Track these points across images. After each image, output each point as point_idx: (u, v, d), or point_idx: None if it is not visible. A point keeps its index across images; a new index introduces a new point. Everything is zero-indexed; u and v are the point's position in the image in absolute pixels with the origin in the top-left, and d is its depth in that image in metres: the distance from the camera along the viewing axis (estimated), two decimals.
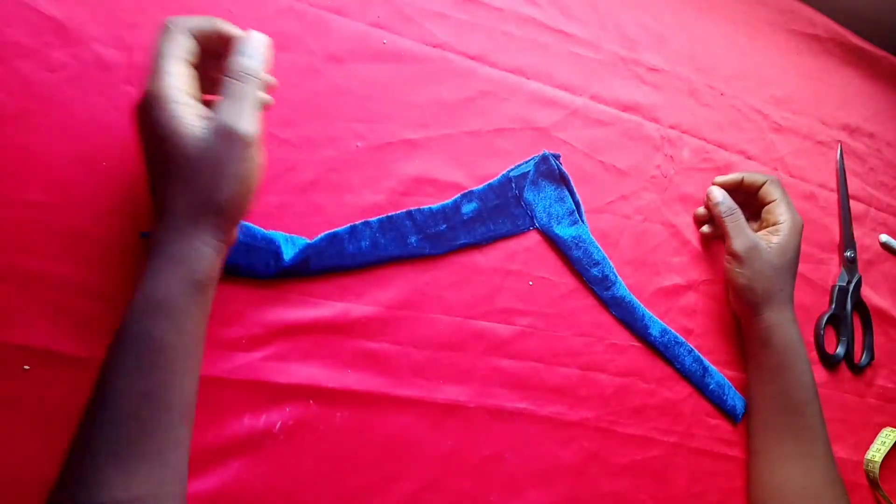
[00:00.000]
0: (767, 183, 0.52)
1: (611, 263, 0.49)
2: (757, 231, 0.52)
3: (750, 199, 0.53)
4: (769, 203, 0.52)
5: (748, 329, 0.51)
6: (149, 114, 0.30)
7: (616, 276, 0.49)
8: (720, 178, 0.54)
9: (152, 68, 0.31)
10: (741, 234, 0.50)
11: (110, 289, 0.36)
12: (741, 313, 0.52)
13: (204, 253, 0.31)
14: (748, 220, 0.51)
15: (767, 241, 0.50)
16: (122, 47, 0.38)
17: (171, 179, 0.31)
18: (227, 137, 0.31)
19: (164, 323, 0.30)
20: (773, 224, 0.51)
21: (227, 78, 0.32)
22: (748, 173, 0.54)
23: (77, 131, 0.36)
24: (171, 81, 0.31)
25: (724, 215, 0.51)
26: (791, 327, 0.49)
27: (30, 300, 0.34)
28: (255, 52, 0.33)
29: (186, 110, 0.30)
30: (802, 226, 0.51)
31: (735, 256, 0.49)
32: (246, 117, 0.31)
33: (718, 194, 0.52)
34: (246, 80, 0.32)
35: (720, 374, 0.51)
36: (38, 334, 0.34)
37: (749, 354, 0.51)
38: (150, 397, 0.29)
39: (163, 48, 0.31)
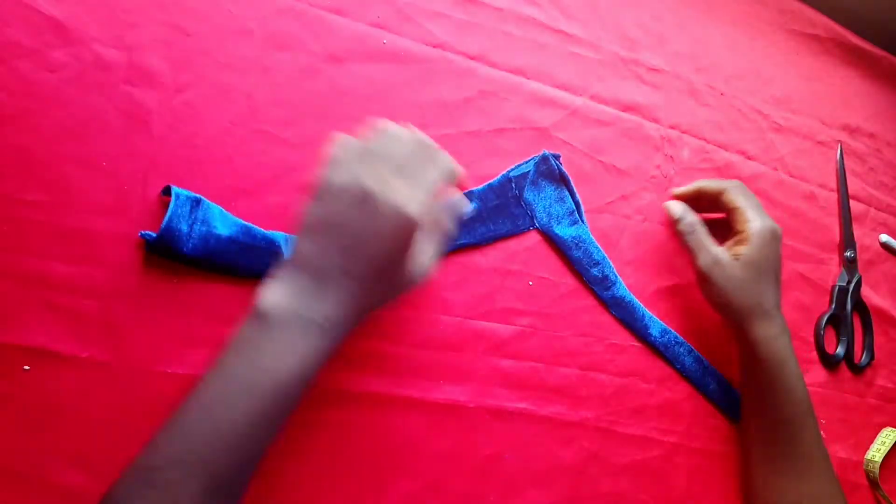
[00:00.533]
0: (727, 190, 0.48)
1: (611, 263, 0.49)
2: (726, 243, 0.48)
3: (716, 208, 0.50)
4: (732, 211, 0.48)
5: (738, 342, 0.50)
6: (390, 223, 0.32)
7: (616, 276, 0.49)
8: (677, 190, 0.51)
9: (419, 197, 0.33)
10: (702, 250, 0.47)
11: (110, 289, 0.36)
12: (729, 328, 0.50)
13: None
14: (718, 232, 0.48)
15: (735, 254, 0.46)
16: (122, 47, 0.38)
17: (361, 275, 0.32)
18: (422, 277, 0.35)
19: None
20: (738, 234, 0.47)
21: (442, 222, 0.37)
22: (706, 181, 0.50)
23: (77, 131, 0.36)
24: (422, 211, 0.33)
25: (683, 233, 0.48)
26: (776, 341, 0.46)
27: (30, 300, 0.34)
28: (461, 212, 0.39)
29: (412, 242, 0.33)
30: (775, 230, 0.47)
31: (699, 275, 0.47)
32: (435, 264, 0.36)
33: (678, 209, 0.49)
34: (448, 233, 0.37)
35: (720, 374, 0.51)
36: (38, 334, 0.34)
37: (741, 367, 0.50)
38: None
39: (430, 178, 0.34)
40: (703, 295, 0.48)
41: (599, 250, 0.48)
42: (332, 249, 0.32)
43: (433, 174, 0.35)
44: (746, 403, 0.49)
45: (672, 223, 0.49)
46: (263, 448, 0.31)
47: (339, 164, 0.33)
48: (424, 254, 0.35)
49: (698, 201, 0.50)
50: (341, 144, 0.34)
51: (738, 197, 0.48)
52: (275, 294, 0.32)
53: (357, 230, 0.32)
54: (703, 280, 0.47)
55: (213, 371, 0.31)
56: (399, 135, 0.35)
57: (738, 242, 0.47)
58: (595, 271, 0.48)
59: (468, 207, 0.39)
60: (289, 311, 0.31)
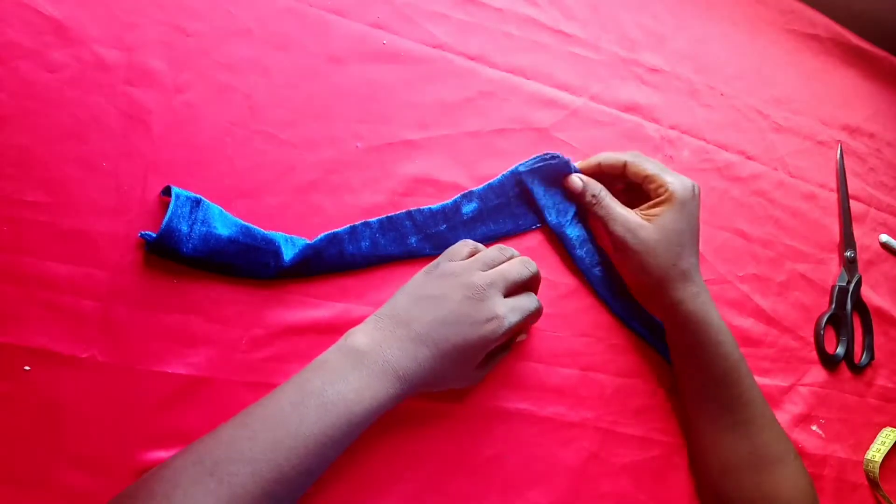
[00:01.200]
0: (629, 162, 0.46)
1: (612, 263, 0.49)
2: (638, 208, 0.46)
3: (618, 182, 0.48)
4: (644, 179, 0.46)
5: (655, 312, 0.48)
6: (485, 324, 0.38)
7: (618, 276, 0.49)
8: (578, 164, 0.48)
9: (513, 318, 0.39)
10: (611, 216, 0.45)
11: (110, 289, 0.36)
12: (644, 296, 0.48)
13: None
14: (623, 201, 0.47)
15: (647, 217, 0.45)
16: (121, 48, 0.38)
17: (445, 353, 0.37)
18: (477, 379, 0.42)
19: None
20: (655, 198, 0.46)
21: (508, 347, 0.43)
22: (604, 154, 0.48)
23: (77, 131, 0.36)
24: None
25: (591, 204, 0.46)
26: (697, 300, 0.45)
27: (30, 300, 0.34)
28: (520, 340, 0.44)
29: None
30: (691, 188, 0.46)
31: (613, 242, 0.46)
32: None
33: (578, 182, 0.46)
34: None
35: None
36: (38, 335, 0.34)
37: (667, 334, 0.48)
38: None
39: (526, 307, 0.40)
40: (618, 263, 0.48)
41: (601, 250, 0.48)
42: (431, 320, 0.37)
43: (531, 306, 0.40)
44: (678, 368, 0.48)
45: (577, 197, 0.47)
46: (324, 468, 0.34)
47: (462, 259, 0.40)
48: (490, 360, 0.41)
49: (599, 177, 0.47)
50: (464, 243, 0.42)
51: (645, 163, 0.46)
52: (369, 336, 0.36)
53: (456, 312, 0.37)
54: (619, 248, 0.46)
55: (293, 385, 0.34)
56: (517, 261, 0.41)
57: (654, 205, 0.45)
58: (597, 270, 0.48)
59: (523, 338, 0.44)
60: (379, 355, 0.35)
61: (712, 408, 0.46)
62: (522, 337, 0.44)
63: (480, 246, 0.42)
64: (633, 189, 0.48)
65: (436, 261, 0.41)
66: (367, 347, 0.36)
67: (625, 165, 0.47)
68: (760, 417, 0.46)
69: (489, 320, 0.38)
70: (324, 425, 0.32)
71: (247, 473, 0.30)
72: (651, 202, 0.46)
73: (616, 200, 0.46)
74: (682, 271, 0.45)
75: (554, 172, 0.47)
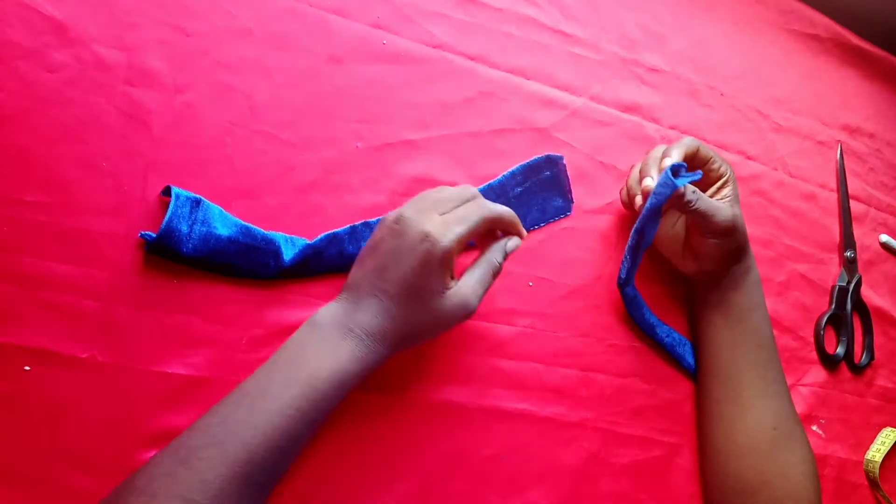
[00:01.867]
0: (700, 147, 0.46)
1: (630, 261, 0.47)
2: (709, 194, 0.46)
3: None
4: (707, 163, 0.46)
5: (722, 278, 0.47)
6: (418, 247, 0.35)
7: (627, 273, 0.48)
8: (651, 160, 0.45)
9: (454, 230, 0.35)
10: (714, 206, 0.44)
11: (110, 289, 0.36)
12: (717, 271, 0.47)
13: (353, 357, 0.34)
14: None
15: (721, 198, 0.46)
16: (121, 48, 0.38)
17: (392, 294, 0.35)
18: (462, 308, 0.37)
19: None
20: (717, 180, 0.47)
21: (489, 257, 0.39)
22: (675, 151, 0.45)
23: (77, 131, 0.36)
24: (456, 248, 0.35)
25: (692, 203, 0.43)
26: (755, 266, 0.49)
27: (30, 300, 0.34)
28: (511, 248, 0.40)
29: (448, 272, 0.36)
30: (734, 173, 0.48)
31: (725, 232, 0.44)
32: (480, 298, 0.38)
33: (653, 180, 0.44)
34: (497, 269, 0.39)
35: None
36: (38, 335, 0.34)
37: (714, 304, 0.48)
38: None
39: (470, 217, 0.37)
40: (713, 252, 0.46)
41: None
42: (370, 270, 0.36)
43: (475, 214, 0.37)
44: (723, 339, 0.48)
45: (676, 199, 0.43)
46: (297, 446, 0.33)
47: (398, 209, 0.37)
48: (468, 287, 0.37)
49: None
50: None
51: (704, 148, 0.47)
52: (328, 308, 0.36)
53: (389, 251, 0.35)
54: (729, 234, 0.45)
55: (261, 369, 0.34)
56: (450, 187, 0.39)
57: (722, 186, 0.47)
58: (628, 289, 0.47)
59: (517, 244, 0.41)
60: (333, 319, 0.35)
61: (748, 374, 0.47)
62: (514, 244, 0.40)
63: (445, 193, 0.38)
64: None
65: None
66: (325, 317, 0.36)
67: (696, 152, 0.46)
68: (787, 394, 0.48)
69: (421, 242, 0.34)
70: (289, 397, 0.32)
71: (216, 456, 0.30)
72: (717, 185, 0.47)
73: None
74: (745, 269, 0.48)
75: (550, 177, 0.47)
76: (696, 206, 0.43)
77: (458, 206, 0.37)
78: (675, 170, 0.42)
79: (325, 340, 0.34)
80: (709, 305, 0.49)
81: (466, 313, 0.37)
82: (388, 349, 0.35)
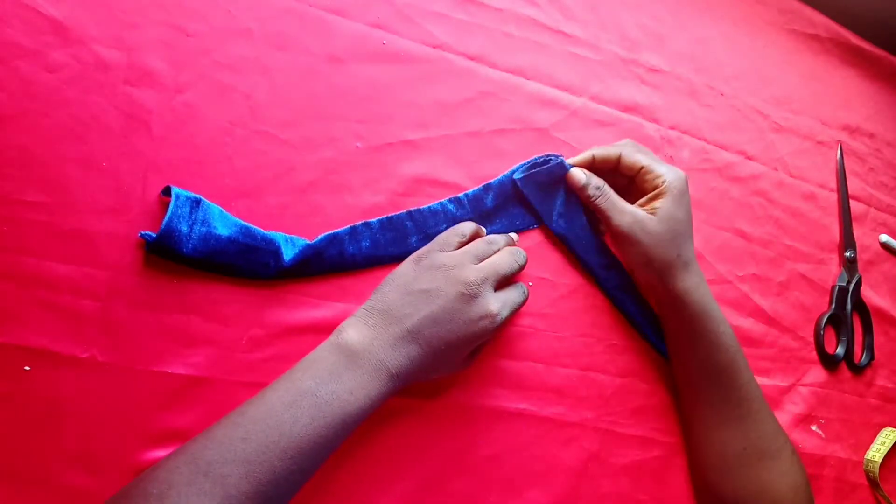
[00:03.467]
0: (623, 154, 0.46)
1: (618, 260, 0.48)
2: (636, 203, 0.46)
3: (616, 177, 0.47)
4: (638, 172, 0.46)
5: (656, 301, 0.48)
6: (478, 322, 0.37)
7: (624, 272, 0.49)
8: (573, 159, 0.47)
9: (508, 308, 0.39)
10: (617, 209, 0.45)
11: (110, 289, 0.36)
12: (644, 288, 0.49)
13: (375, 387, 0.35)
14: (627, 196, 0.47)
15: (649, 210, 0.45)
16: (121, 48, 0.38)
17: (435, 349, 0.37)
18: (467, 363, 0.41)
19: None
20: (652, 190, 0.45)
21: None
22: (598, 149, 0.47)
23: (77, 131, 0.36)
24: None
25: (592, 197, 0.45)
26: (697, 291, 0.45)
27: (30, 300, 0.34)
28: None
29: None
30: (684, 178, 0.46)
31: (618, 236, 0.45)
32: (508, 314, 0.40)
33: (581, 175, 0.45)
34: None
35: None
36: (38, 335, 0.34)
37: (664, 326, 0.48)
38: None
39: (515, 299, 0.41)
40: (622, 255, 0.48)
41: (605, 247, 0.48)
42: (426, 319, 0.36)
43: (517, 298, 0.41)
44: (676, 361, 0.48)
45: (578, 191, 0.46)
46: (315, 468, 0.34)
47: (452, 249, 0.40)
48: (477, 349, 0.41)
49: (594, 171, 0.47)
50: (454, 231, 0.41)
51: (638, 155, 0.46)
52: (361, 332, 0.36)
53: (448, 310, 0.37)
54: (624, 240, 0.45)
55: (286, 383, 0.34)
56: (507, 252, 0.41)
57: (654, 198, 0.45)
58: (600, 268, 0.48)
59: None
60: (372, 353, 0.35)
61: (709, 401, 0.46)
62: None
63: (468, 230, 0.41)
64: (623, 183, 0.48)
65: (425, 249, 0.40)
66: (360, 346, 0.35)
67: (619, 158, 0.46)
68: (757, 412, 0.46)
69: (482, 318, 0.37)
70: (318, 426, 0.32)
71: (240, 474, 0.30)
72: (649, 195, 0.46)
73: (618, 196, 0.46)
74: (685, 261, 0.45)
75: (549, 176, 0.47)
76: (595, 202, 0.46)
77: (510, 276, 0.40)
78: (538, 163, 0.46)
79: (360, 374, 0.35)
80: (663, 329, 0.49)
81: (466, 366, 0.41)
82: (404, 387, 0.37)
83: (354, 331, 0.36)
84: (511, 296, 0.40)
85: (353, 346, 0.35)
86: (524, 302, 0.41)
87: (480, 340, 0.38)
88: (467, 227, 0.42)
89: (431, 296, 0.37)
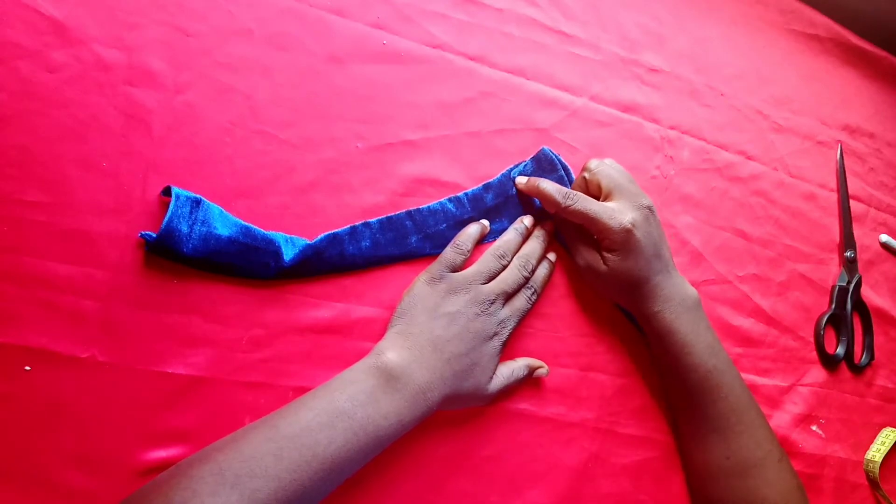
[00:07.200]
0: (574, 201, 0.43)
1: None
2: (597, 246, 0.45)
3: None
4: (584, 221, 0.44)
5: (636, 310, 0.47)
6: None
7: None
8: (520, 181, 0.46)
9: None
10: (575, 251, 0.46)
11: (110, 289, 0.36)
12: (623, 302, 0.47)
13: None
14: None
15: (605, 257, 0.44)
16: (122, 48, 0.38)
17: (460, 392, 0.39)
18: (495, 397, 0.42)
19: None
20: (604, 240, 0.44)
21: (518, 371, 0.43)
22: (546, 184, 0.44)
23: (77, 132, 0.36)
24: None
25: (572, 205, 0.43)
26: (658, 317, 0.44)
27: (30, 300, 0.34)
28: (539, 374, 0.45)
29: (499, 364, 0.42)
30: (634, 222, 0.42)
31: (582, 272, 0.46)
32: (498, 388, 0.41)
33: (548, 189, 0.44)
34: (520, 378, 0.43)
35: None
36: (38, 335, 0.34)
37: (648, 336, 0.48)
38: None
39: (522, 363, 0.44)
40: (616, 267, 0.44)
41: None
42: (454, 340, 0.39)
43: (523, 305, 0.43)
44: (660, 377, 0.49)
45: (545, 205, 0.45)
46: (340, 483, 0.34)
47: (459, 264, 0.42)
48: (496, 385, 0.42)
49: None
50: (457, 249, 0.42)
51: (587, 204, 0.43)
52: (401, 356, 0.37)
53: (475, 335, 0.40)
54: (582, 277, 0.47)
55: (322, 401, 0.34)
56: (514, 267, 0.43)
57: (605, 248, 0.44)
58: None
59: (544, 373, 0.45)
60: (411, 377, 0.36)
61: (688, 416, 0.47)
62: (543, 372, 0.44)
63: (470, 242, 0.43)
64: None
65: (436, 269, 0.41)
66: (399, 370, 0.36)
67: (565, 205, 0.43)
68: (737, 424, 0.45)
69: (495, 334, 0.41)
70: (351, 448, 0.33)
71: (270, 490, 0.30)
72: (602, 245, 0.44)
73: (578, 235, 0.46)
74: (644, 293, 0.44)
75: (546, 171, 0.47)
76: (574, 207, 0.43)
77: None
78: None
79: (397, 399, 0.35)
80: (649, 343, 0.48)
81: (491, 401, 0.43)
82: (426, 417, 0.38)
83: (395, 354, 0.37)
84: (517, 304, 0.43)
85: (392, 370, 0.36)
86: (531, 307, 0.44)
87: (496, 357, 0.41)
88: (468, 238, 0.43)
89: (455, 318, 0.39)
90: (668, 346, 0.45)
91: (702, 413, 0.45)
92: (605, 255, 0.44)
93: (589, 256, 0.45)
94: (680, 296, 0.45)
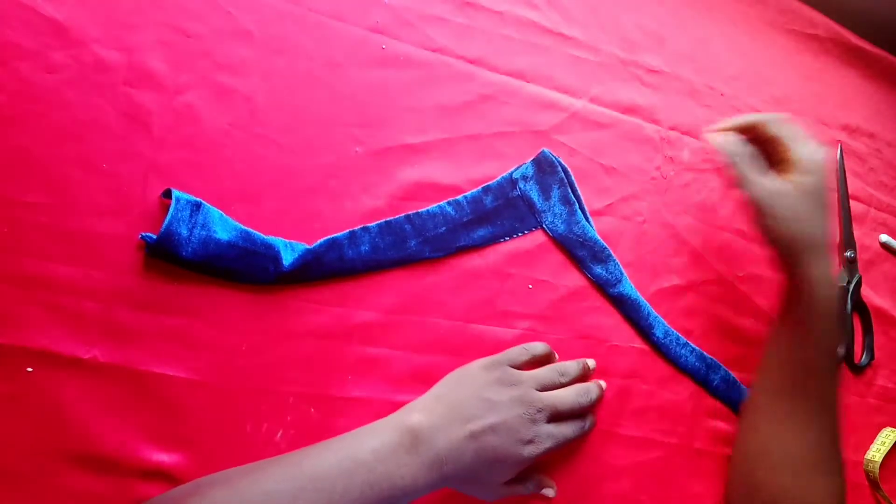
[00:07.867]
0: (768, 122, 0.46)
1: (616, 260, 0.49)
2: (778, 173, 0.45)
3: (768, 148, 0.47)
4: (778, 143, 0.45)
5: (786, 278, 0.46)
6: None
7: (622, 274, 0.49)
8: (716, 126, 0.47)
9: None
10: (750, 179, 0.44)
11: (111, 290, 0.36)
12: (781, 269, 0.46)
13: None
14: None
15: (784, 181, 0.44)
16: (122, 49, 0.38)
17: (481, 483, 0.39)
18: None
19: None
20: (786, 162, 0.45)
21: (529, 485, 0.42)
22: (740, 118, 0.47)
23: (77, 132, 0.36)
24: None
25: (730, 163, 0.45)
26: (819, 285, 0.43)
27: (31, 302, 0.34)
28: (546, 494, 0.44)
29: None
30: (824, 162, 0.44)
31: (755, 206, 0.44)
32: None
33: (719, 139, 0.46)
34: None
35: (725, 369, 0.51)
36: (39, 336, 0.34)
37: (781, 306, 0.47)
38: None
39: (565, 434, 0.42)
40: (758, 228, 0.45)
41: (605, 248, 0.48)
42: (488, 426, 0.37)
43: (568, 433, 0.42)
44: (770, 350, 0.47)
45: (721, 155, 0.46)
46: None
47: (520, 365, 0.42)
48: (512, 488, 0.41)
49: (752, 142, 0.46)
50: (526, 349, 0.43)
51: (780, 126, 0.45)
52: (428, 419, 0.37)
53: (509, 431, 0.38)
54: (761, 212, 0.44)
55: (344, 449, 0.35)
56: (573, 390, 0.43)
57: (788, 171, 0.44)
58: (600, 269, 0.48)
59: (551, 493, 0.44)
60: (433, 444, 0.36)
61: (788, 395, 0.45)
62: (549, 493, 0.43)
63: (539, 351, 0.43)
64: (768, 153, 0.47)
65: (497, 359, 0.41)
66: (424, 433, 0.36)
67: (756, 127, 0.45)
68: (828, 430, 0.45)
69: (528, 443, 0.39)
70: (365, 499, 0.33)
71: None
72: (783, 168, 0.45)
73: (756, 163, 0.45)
74: (820, 246, 0.44)
75: (547, 173, 0.47)
76: (732, 167, 0.45)
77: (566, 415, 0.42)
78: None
79: (416, 461, 0.35)
80: (782, 312, 0.47)
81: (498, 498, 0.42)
82: (445, 486, 0.38)
83: (423, 416, 0.37)
84: (562, 430, 0.41)
85: (417, 431, 0.36)
86: (576, 437, 0.42)
87: (522, 465, 0.39)
88: (539, 347, 0.44)
89: (496, 407, 0.38)
90: (815, 320, 0.44)
91: (807, 397, 0.44)
92: (795, 176, 0.44)
93: (772, 182, 0.44)
94: (831, 279, 0.44)
